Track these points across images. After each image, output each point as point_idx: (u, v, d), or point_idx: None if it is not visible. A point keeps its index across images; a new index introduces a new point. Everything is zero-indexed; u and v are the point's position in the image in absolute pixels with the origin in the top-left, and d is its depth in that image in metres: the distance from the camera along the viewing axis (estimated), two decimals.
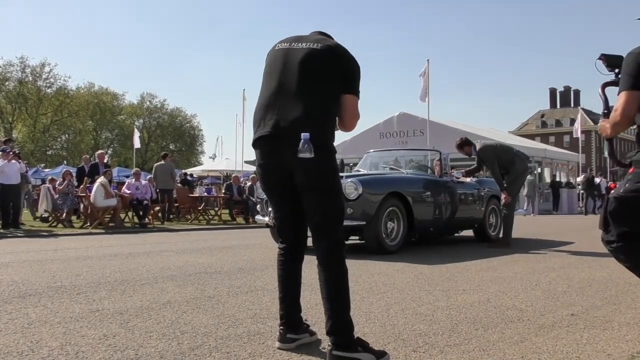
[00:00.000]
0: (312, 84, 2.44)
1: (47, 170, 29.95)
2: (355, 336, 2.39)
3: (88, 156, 15.44)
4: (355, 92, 2.51)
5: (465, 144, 7.85)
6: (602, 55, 2.85)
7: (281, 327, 2.58)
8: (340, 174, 7.29)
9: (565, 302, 3.72)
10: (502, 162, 7.57)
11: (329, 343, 2.35)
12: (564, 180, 26.54)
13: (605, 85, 2.84)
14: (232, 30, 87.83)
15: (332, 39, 2.62)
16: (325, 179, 2.44)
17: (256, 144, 2.53)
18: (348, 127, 2.57)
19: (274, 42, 2.69)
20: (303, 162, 2.33)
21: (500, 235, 8.07)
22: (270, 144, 2.47)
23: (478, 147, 7.82)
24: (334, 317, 2.35)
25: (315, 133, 2.34)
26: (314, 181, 2.43)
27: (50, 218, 11.88)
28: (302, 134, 2.30)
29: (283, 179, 2.50)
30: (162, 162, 14.10)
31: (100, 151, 14.62)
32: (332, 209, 2.46)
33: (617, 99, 2.50)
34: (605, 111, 2.72)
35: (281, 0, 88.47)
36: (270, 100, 2.49)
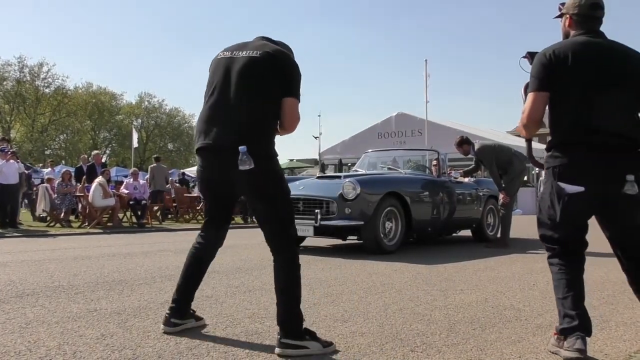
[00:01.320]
0: (251, 94, 2.52)
1: (46, 170, 29.89)
2: (304, 327, 2.51)
3: (86, 156, 15.42)
4: (295, 95, 2.57)
5: (464, 142, 7.87)
6: (528, 53, 2.83)
7: (171, 307, 2.81)
8: (339, 174, 7.27)
9: None
10: (500, 163, 7.58)
11: (279, 332, 2.47)
12: None
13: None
14: (231, 31, 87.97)
15: (276, 43, 2.69)
16: (271, 185, 2.55)
17: (198, 152, 2.64)
18: (288, 129, 2.64)
19: None
20: (245, 173, 2.42)
21: (498, 235, 8.09)
22: (211, 156, 2.58)
23: (476, 147, 7.84)
24: (283, 308, 2.50)
25: (254, 143, 2.43)
26: (261, 189, 2.54)
27: (48, 218, 11.86)
28: (240, 147, 2.40)
29: (224, 190, 2.66)
30: (156, 164, 14.19)
31: (95, 152, 14.59)
32: (281, 211, 2.57)
33: (526, 100, 2.51)
34: None
35: (279, 1, 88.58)
36: (211, 113, 2.59)
